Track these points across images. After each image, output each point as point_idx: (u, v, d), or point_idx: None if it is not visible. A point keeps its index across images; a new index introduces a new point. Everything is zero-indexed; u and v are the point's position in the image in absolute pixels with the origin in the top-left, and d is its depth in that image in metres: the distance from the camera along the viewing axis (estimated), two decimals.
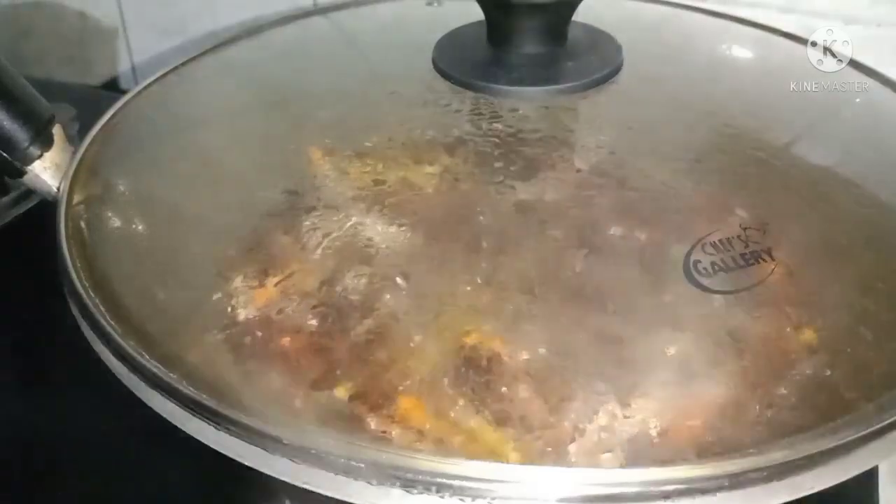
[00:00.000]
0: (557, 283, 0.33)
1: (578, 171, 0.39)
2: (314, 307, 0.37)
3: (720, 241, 0.32)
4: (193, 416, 0.23)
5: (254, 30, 0.48)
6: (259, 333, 0.36)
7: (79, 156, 0.35)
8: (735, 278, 0.32)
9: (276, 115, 0.43)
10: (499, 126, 0.38)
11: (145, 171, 0.36)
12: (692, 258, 0.32)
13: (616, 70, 0.38)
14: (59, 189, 0.33)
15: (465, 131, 0.38)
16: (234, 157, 0.41)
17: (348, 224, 0.39)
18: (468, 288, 0.36)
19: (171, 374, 0.25)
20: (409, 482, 0.23)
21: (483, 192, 0.38)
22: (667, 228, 0.35)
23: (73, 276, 0.28)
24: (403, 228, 0.39)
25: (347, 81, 0.45)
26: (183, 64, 0.43)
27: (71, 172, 0.34)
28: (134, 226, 0.33)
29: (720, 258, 0.32)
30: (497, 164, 0.37)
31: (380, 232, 0.39)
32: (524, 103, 0.37)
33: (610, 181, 0.36)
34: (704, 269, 0.32)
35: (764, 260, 0.32)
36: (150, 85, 0.41)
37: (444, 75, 0.39)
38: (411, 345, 0.34)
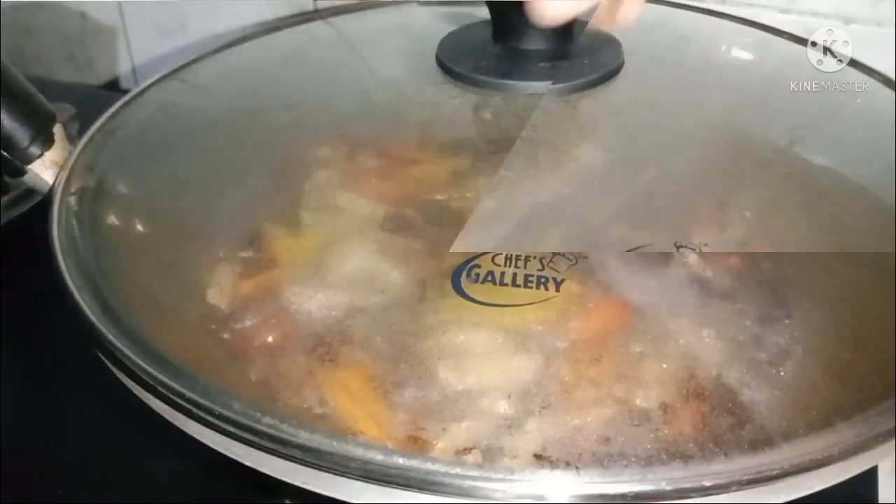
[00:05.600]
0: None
1: (578, 170, 0.39)
2: (315, 308, 0.37)
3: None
4: (193, 416, 0.23)
5: (255, 33, 0.48)
6: (258, 333, 0.36)
7: (76, 155, 0.35)
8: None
9: (275, 117, 0.43)
10: (500, 123, 0.38)
11: (143, 170, 0.36)
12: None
13: (617, 69, 0.38)
14: (54, 187, 0.33)
15: (467, 128, 0.38)
16: (232, 158, 0.41)
17: (349, 224, 0.39)
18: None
19: (171, 375, 0.25)
20: (409, 482, 0.23)
21: (483, 189, 0.38)
22: (664, 228, 0.35)
23: (67, 276, 0.28)
24: (402, 227, 0.39)
25: (347, 82, 0.45)
26: (183, 66, 0.43)
27: (67, 171, 0.34)
28: (131, 225, 0.33)
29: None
30: (498, 162, 0.37)
31: (379, 232, 0.39)
32: (525, 100, 0.37)
33: (609, 181, 0.36)
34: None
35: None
36: (150, 86, 0.41)
37: (448, 72, 0.39)
38: (409, 347, 0.34)
